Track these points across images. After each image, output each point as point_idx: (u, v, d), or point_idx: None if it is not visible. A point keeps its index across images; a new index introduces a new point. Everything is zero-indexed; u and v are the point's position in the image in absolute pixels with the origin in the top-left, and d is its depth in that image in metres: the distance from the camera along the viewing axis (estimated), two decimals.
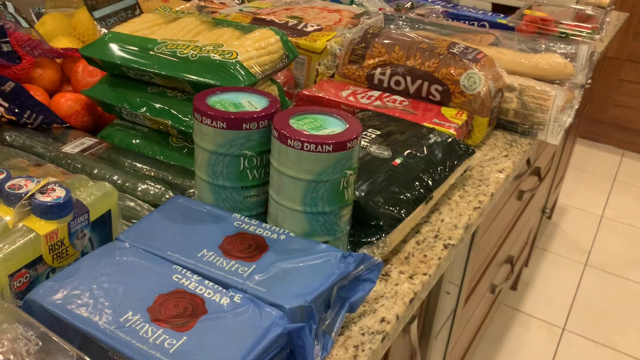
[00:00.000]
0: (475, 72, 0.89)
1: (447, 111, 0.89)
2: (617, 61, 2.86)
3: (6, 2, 1.03)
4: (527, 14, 1.23)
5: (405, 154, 0.73)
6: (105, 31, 0.98)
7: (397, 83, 0.94)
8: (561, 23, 1.20)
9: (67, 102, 0.80)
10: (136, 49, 0.72)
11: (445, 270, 0.82)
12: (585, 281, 2.06)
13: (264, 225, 0.57)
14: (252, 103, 0.60)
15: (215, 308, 0.46)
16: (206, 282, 0.49)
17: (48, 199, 0.48)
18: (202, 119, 0.57)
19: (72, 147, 0.74)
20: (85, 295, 0.46)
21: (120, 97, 0.74)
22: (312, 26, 1.08)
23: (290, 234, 0.56)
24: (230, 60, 0.69)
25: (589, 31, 1.18)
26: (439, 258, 0.66)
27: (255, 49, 0.73)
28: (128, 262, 0.50)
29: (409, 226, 0.68)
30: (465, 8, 1.38)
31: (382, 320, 0.57)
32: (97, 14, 1.00)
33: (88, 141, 0.75)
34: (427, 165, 0.73)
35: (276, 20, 1.11)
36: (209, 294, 0.48)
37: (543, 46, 1.10)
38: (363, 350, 0.54)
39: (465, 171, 0.83)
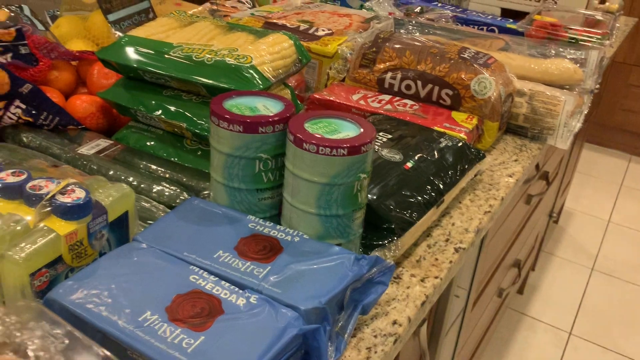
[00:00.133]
0: (486, 77, 0.89)
1: (457, 115, 0.89)
2: (625, 66, 2.86)
3: (22, 5, 1.05)
4: (536, 19, 1.23)
5: (416, 157, 0.73)
6: (120, 34, 0.99)
7: (408, 87, 0.94)
8: (571, 28, 1.21)
9: (82, 104, 0.81)
10: (152, 52, 0.73)
11: (455, 274, 0.82)
12: (592, 286, 2.05)
13: (278, 227, 0.58)
14: (268, 107, 0.61)
15: (232, 308, 0.47)
16: (222, 282, 0.50)
17: (68, 200, 0.49)
18: (219, 122, 0.57)
19: (88, 149, 0.75)
20: (105, 294, 0.47)
21: (136, 100, 0.75)
22: (323, 30, 1.09)
23: (304, 236, 0.57)
24: (245, 65, 0.70)
25: (599, 37, 1.18)
26: (450, 262, 0.67)
27: (269, 54, 0.73)
28: (146, 263, 0.51)
29: (420, 229, 0.68)
30: (474, 13, 1.39)
31: (394, 322, 0.58)
32: (112, 17, 1.02)
33: (103, 143, 0.77)
34: (438, 169, 0.73)
35: (288, 25, 1.11)
36: (225, 294, 0.48)
37: (553, 51, 1.10)
38: (375, 352, 0.54)
39: (475, 175, 0.83)
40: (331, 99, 0.93)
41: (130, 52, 0.74)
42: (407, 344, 0.76)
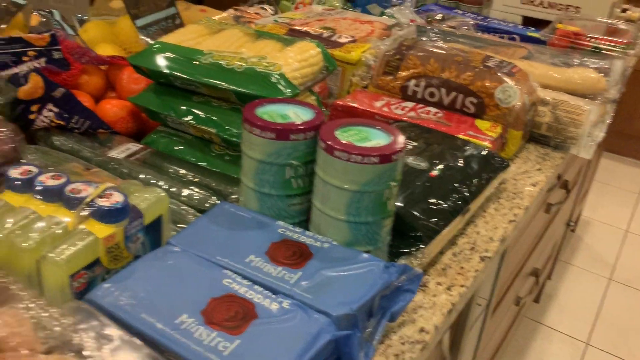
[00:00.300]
0: (510, 86, 0.89)
1: (481, 123, 0.90)
2: None
3: (53, 10, 1.07)
4: (559, 28, 1.23)
5: (442, 165, 0.74)
6: (147, 39, 1.01)
7: (432, 95, 0.95)
8: (594, 37, 1.21)
9: (113, 109, 0.83)
10: (183, 59, 0.74)
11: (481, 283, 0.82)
12: (609, 296, 2.04)
13: (307, 233, 0.59)
14: (298, 114, 0.62)
15: (265, 313, 0.48)
16: (255, 287, 0.50)
17: (107, 204, 0.50)
18: (252, 129, 0.58)
19: (118, 152, 0.76)
20: (142, 297, 0.48)
21: (166, 105, 0.77)
22: (345, 37, 1.10)
23: (333, 242, 0.58)
24: (274, 72, 0.71)
25: (623, 46, 1.18)
26: (476, 270, 0.67)
27: (297, 61, 0.75)
28: (180, 266, 0.52)
29: (446, 238, 0.69)
30: (495, 21, 1.39)
31: (422, 330, 0.58)
32: (139, 22, 1.03)
33: (133, 147, 0.78)
34: (464, 177, 0.74)
35: (310, 31, 1.13)
36: (258, 298, 0.49)
37: (576, 60, 1.10)
38: (403, 359, 0.55)
39: (499, 184, 0.83)
40: (354, 105, 0.94)
41: (162, 59, 0.76)
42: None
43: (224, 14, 1.24)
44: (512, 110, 0.90)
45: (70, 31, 1.04)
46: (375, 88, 1.01)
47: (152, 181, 0.71)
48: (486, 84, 0.90)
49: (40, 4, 1.19)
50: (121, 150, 0.77)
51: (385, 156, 0.55)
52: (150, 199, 0.55)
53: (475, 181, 0.75)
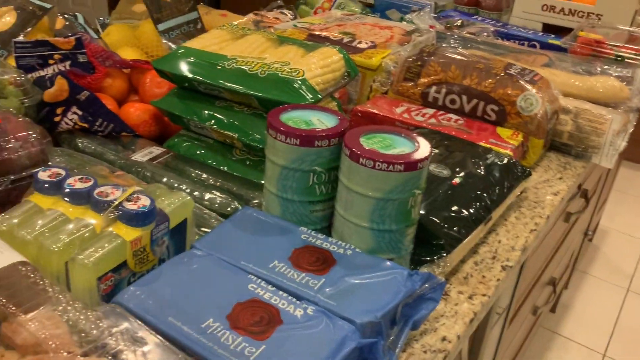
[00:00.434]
0: (532, 94, 0.89)
1: (502, 131, 0.89)
2: None
3: (77, 14, 1.09)
4: (581, 36, 1.22)
5: (464, 173, 0.74)
6: (169, 43, 1.02)
7: (452, 102, 0.95)
8: (616, 45, 1.19)
9: (136, 112, 0.84)
10: (207, 64, 0.75)
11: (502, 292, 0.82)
12: (627, 306, 2.01)
13: (330, 239, 0.59)
14: (322, 121, 0.62)
15: (290, 319, 0.48)
16: (280, 292, 0.51)
17: (135, 207, 0.51)
18: (277, 135, 0.59)
19: (141, 156, 0.77)
20: (168, 300, 0.48)
21: (189, 110, 0.77)
22: (366, 43, 1.10)
23: (356, 249, 0.58)
24: (297, 78, 0.71)
25: None
26: (498, 279, 0.67)
27: (320, 67, 0.75)
28: (205, 270, 0.52)
29: (468, 246, 0.68)
30: (515, 27, 1.38)
31: (444, 339, 0.58)
32: (161, 26, 1.05)
33: (156, 150, 0.79)
34: (486, 186, 0.73)
35: (330, 37, 1.13)
36: (283, 304, 0.49)
37: (598, 69, 1.09)
38: None
39: (521, 193, 0.83)
40: (374, 111, 0.94)
41: (186, 63, 0.76)
42: None
43: (244, 19, 1.25)
44: (533, 118, 0.89)
45: (93, 34, 1.05)
46: (396, 94, 1.01)
47: (175, 185, 0.71)
48: (508, 92, 0.90)
49: (61, 7, 1.21)
50: (144, 154, 0.78)
51: (411, 164, 0.55)
52: (175, 202, 0.56)
53: (497, 189, 0.74)
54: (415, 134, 0.60)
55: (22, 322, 0.34)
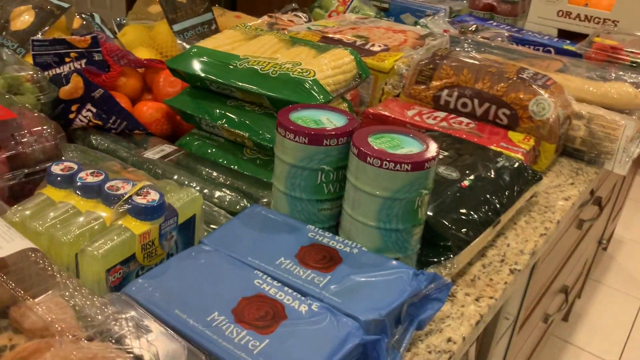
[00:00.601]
0: (544, 98, 0.89)
1: (514, 135, 0.89)
2: None
3: (94, 14, 1.11)
4: (596, 42, 1.21)
5: (473, 176, 0.73)
6: (183, 43, 1.03)
7: (464, 105, 0.94)
8: (632, 52, 1.18)
9: (149, 110, 0.85)
10: (219, 63, 0.76)
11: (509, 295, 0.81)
12: None
13: (337, 238, 0.59)
14: (331, 120, 0.62)
15: (295, 314, 0.48)
16: (285, 288, 0.51)
17: (144, 201, 0.52)
18: (285, 133, 0.59)
19: (153, 153, 0.78)
20: (175, 293, 0.49)
21: (201, 109, 0.78)
22: (379, 46, 1.10)
23: (363, 248, 0.58)
24: (308, 79, 0.72)
25: None
26: (505, 283, 0.67)
27: (331, 68, 0.75)
28: (212, 265, 0.53)
29: (475, 249, 0.68)
30: (530, 33, 1.38)
31: (449, 340, 0.58)
32: (176, 27, 1.06)
33: (167, 148, 0.80)
34: (495, 189, 0.73)
35: (344, 39, 1.13)
36: (288, 300, 0.50)
37: (613, 75, 1.08)
38: None
39: (531, 197, 0.82)
40: (385, 113, 0.94)
41: (199, 63, 0.77)
42: None
43: (258, 21, 1.26)
44: (545, 123, 0.89)
45: (109, 34, 1.07)
46: (407, 97, 1.01)
47: (185, 182, 0.72)
48: (520, 96, 0.90)
49: (80, 7, 1.23)
50: (156, 151, 0.79)
51: (418, 164, 0.55)
52: (184, 198, 0.56)
53: (506, 193, 0.74)
54: (423, 135, 0.60)
55: (30, 306, 0.34)
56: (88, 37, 0.86)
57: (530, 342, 1.35)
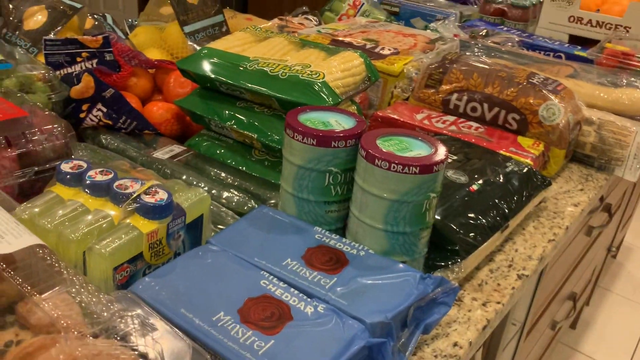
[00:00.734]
0: (554, 104, 0.88)
1: (523, 140, 0.88)
2: None
3: (106, 14, 1.12)
4: (608, 48, 1.21)
5: (482, 180, 0.73)
6: (194, 45, 1.04)
7: (474, 109, 0.94)
8: None
9: (159, 111, 0.86)
10: (229, 64, 0.76)
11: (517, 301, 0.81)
12: None
13: (343, 240, 0.59)
14: (340, 122, 0.62)
15: (300, 316, 0.48)
16: (291, 289, 0.51)
17: (152, 200, 0.52)
18: (294, 135, 0.59)
19: (162, 153, 0.78)
20: (181, 293, 0.49)
21: (210, 109, 0.78)
22: (389, 50, 1.10)
23: (370, 250, 0.58)
24: (317, 81, 0.72)
25: None
26: (513, 288, 0.66)
27: (340, 71, 0.75)
28: (219, 265, 0.53)
29: (483, 253, 0.68)
30: (541, 38, 1.37)
31: (455, 344, 0.57)
32: (187, 28, 1.07)
33: (177, 148, 0.80)
34: (504, 194, 0.73)
35: (354, 43, 1.14)
36: (294, 301, 0.50)
37: (624, 81, 1.08)
38: None
39: (540, 202, 0.82)
40: (394, 117, 0.94)
41: (209, 64, 0.78)
42: None
43: (269, 23, 1.26)
44: (555, 128, 0.88)
45: (121, 35, 1.08)
46: (417, 101, 1.01)
47: (194, 182, 0.72)
48: (530, 101, 0.89)
49: (92, 8, 1.25)
50: (165, 151, 0.79)
51: (426, 166, 0.55)
52: (192, 198, 0.57)
53: (515, 198, 0.73)
54: (432, 138, 0.60)
55: (36, 302, 0.35)
56: (100, 37, 0.87)
57: (537, 349, 1.34)
